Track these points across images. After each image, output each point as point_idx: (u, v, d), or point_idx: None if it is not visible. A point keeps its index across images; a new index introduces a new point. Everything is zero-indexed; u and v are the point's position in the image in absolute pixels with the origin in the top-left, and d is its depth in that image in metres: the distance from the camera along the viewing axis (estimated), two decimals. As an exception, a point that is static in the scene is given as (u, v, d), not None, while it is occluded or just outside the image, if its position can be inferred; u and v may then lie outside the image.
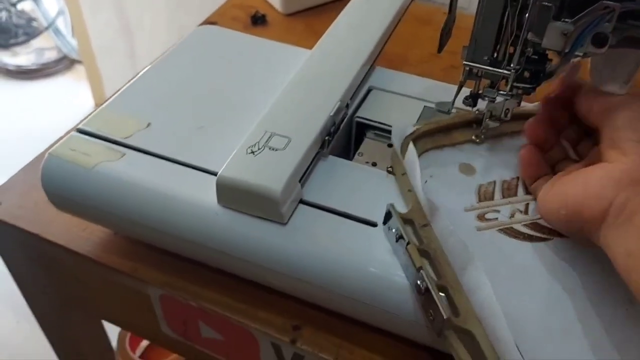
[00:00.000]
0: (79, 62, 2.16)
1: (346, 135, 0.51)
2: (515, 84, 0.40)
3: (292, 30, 0.80)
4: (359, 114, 0.51)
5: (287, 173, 0.40)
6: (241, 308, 0.45)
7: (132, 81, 0.53)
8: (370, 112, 0.51)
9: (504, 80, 0.41)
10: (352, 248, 0.39)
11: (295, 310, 0.45)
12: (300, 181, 0.42)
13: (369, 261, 0.39)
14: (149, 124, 0.48)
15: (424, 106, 0.51)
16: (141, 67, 0.57)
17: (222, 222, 0.41)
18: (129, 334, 0.88)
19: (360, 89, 0.52)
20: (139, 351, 0.90)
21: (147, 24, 1.58)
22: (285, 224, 0.41)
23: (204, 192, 0.42)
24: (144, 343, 0.91)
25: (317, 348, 0.43)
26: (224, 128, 0.47)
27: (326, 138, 0.45)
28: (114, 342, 0.87)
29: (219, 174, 0.41)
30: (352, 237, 0.40)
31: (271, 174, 0.40)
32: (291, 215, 0.41)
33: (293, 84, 0.48)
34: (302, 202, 0.42)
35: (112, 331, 0.89)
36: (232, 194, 0.41)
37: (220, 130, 0.47)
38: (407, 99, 0.52)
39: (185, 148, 0.46)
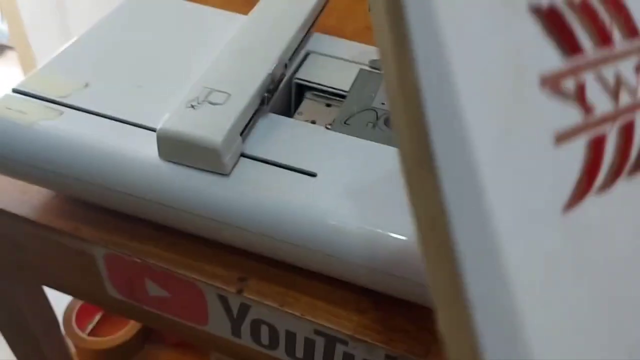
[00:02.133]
0: (10, 47, 2.08)
1: (286, 96, 0.53)
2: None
3: (230, 1, 0.81)
4: (298, 75, 0.52)
5: (227, 125, 0.41)
6: (186, 262, 0.46)
7: (68, 44, 0.53)
8: (308, 74, 0.53)
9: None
10: (293, 196, 0.41)
11: (240, 262, 0.46)
12: (241, 135, 0.43)
13: (309, 208, 0.41)
14: (86, 84, 0.48)
15: (360, 69, 0.53)
16: (78, 32, 0.57)
17: (164, 176, 0.42)
18: (75, 310, 0.87)
19: (298, 53, 0.54)
20: (89, 326, 0.89)
21: (82, 2, 1.54)
22: (228, 175, 0.42)
23: (145, 148, 0.43)
24: (94, 319, 0.91)
25: (262, 297, 0.45)
26: (163, 87, 0.48)
27: (265, 95, 0.46)
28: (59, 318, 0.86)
29: (159, 126, 0.41)
30: (292, 187, 0.42)
31: (212, 126, 0.41)
32: (233, 167, 0.42)
33: (231, 44, 0.49)
34: (243, 155, 0.43)
35: (60, 307, 0.88)
36: (173, 147, 0.41)
37: (159, 89, 0.48)
38: (343, 62, 0.54)
39: (125, 106, 0.46)
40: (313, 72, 0.53)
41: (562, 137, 0.18)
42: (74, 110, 0.46)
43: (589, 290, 0.18)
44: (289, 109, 0.54)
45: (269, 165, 0.43)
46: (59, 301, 0.79)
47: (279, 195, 0.41)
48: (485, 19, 0.17)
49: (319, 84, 0.51)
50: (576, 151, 0.18)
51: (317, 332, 0.44)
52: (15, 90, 0.47)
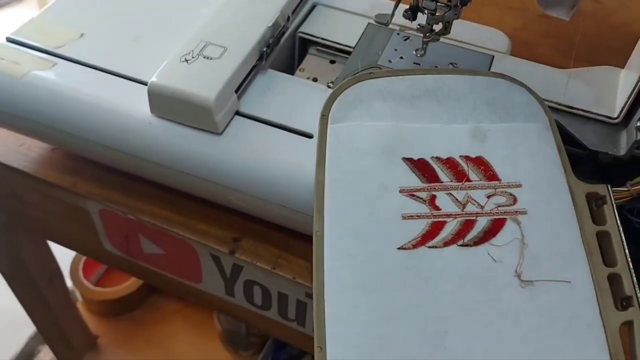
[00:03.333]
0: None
1: (289, 51, 0.51)
2: (451, -7, 0.40)
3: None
4: (302, 29, 0.50)
5: (221, 82, 0.40)
6: (180, 221, 0.46)
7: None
8: (313, 27, 0.50)
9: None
10: (287, 158, 0.40)
11: (234, 223, 0.46)
12: (236, 92, 0.42)
13: (304, 171, 0.39)
14: (82, 34, 0.46)
15: (368, 23, 0.50)
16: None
17: (155, 132, 0.41)
18: (82, 261, 0.88)
19: (304, 5, 0.51)
20: (94, 278, 0.91)
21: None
22: (220, 134, 0.40)
23: (138, 103, 0.41)
24: (100, 270, 0.92)
25: (255, 258, 0.44)
26: (161, 39, 0.46)
27: (264, 49, 0.44)
28: (67, 269, 0.87)
29: (150, 81, 0.40)
30: (287, 148, 0.40)
31: (204, 82, 0.39)
32: (227, 126, 0.41)
33: (232, -5, 0.47)
34: (238, 113, 0.42)
35: (67, 258, 0.89)
36: (164, 103, 0.40)
37: (156, 41, 0.46)
38: (351, 15, 0.51)
39: (120, 59, 0.45)
40: (318, 26, 0.50)
41: (408, 217, 0.33)
42: (68, 62, 0.44)
43: (403, 304, 0.31)
44: (292, 65, 0.52)
45: (264, 125, 0.41)
46: (66, 251, 0.80)
47: (273, 157, 0.40)
48: (370, 159, 0.34)
49: (323, 39, 0.49)
50: (418, 225, 0.33)
51: (309, 295, 0.43)
52: (9, 39, 0.46)
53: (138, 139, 0.41)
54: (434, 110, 0.37)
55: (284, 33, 0.47)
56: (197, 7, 0.49)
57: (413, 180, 0.34)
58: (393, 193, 0.33)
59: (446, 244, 0.32)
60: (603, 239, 0.34)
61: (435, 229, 0.33)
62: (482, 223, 0.33)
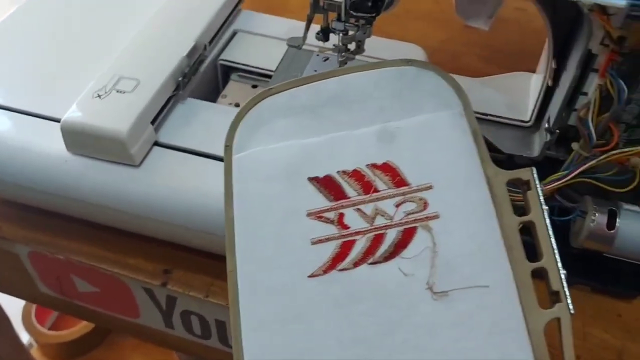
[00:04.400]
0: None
1: (213, 79, 0.51)
2: (355, 13, 0.40)
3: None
4: (222, 56, 0.50)
5: (134, 114, 0.40)
6: (109, 257, 0.45)
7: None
8: (234, 54, 0.51)
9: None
10: (208, 185, 0.40)
11: (164, 254, 0.45)
12: (153, 123, 0.42)
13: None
14: (-3, 78, 0.46)
15: (288, 46, 0.51)
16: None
17: (73, 170, 0.40)
18: (34, 307, 0.86)
19: (224, 32, 0.52)
20: (49, 322, 0.89)
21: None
22: (138, 165, 0.40)
23: (54, 141, 0.41)
24: (55, 313, 0.90)
25: (187, 288, 0.44)
26: (77, 76, 0.46)
27: (180, 79, 0.44)
28: (18, 317, 0.85)
29: (62, 119, 0.40)
30: (208, 175, 0.40)
31: (117, 116, 0.39)
32: (145, 157, 0.41)
33: (147, 26, 0.47)
34: (157, 144, 0.42)
35: (19, 304, 0.87)
36: (79, 139, 0.40)
37: (72, 78, 0.46)
38: (272, 40, 0.52)
39: (35, 99, 0.44)
40: (239, 52, 0.51)
41: (317, 242, 0.31)
42: (-19, 105, 0.44)
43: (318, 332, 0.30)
44: (216, 92, 0.52)
45: (184, 154, 0.41)
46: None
47: (193, 184, 0.40)
48: (276, 185, 0.33)
49: (244, 64, 0.50)
50: (327, 248, 0.31)
51: (244, 322, 0.43)
52: None
53: (56, 177, 0.41)
54: (339, 117, 0.35)
55: (202, 61, 0.47)
56: (112, 39, 0.49)
57: (320, 201, 0.33)
58: (300, 218, 0.32)
59: (356, 264, 0.31)
60: (528, 230, 0.31)
61: (344, 249, 0.31)
62: (391, 236, 0.31)
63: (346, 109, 0.35)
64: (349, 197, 0.33)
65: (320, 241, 0.32)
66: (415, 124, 0.34)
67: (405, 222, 0.32)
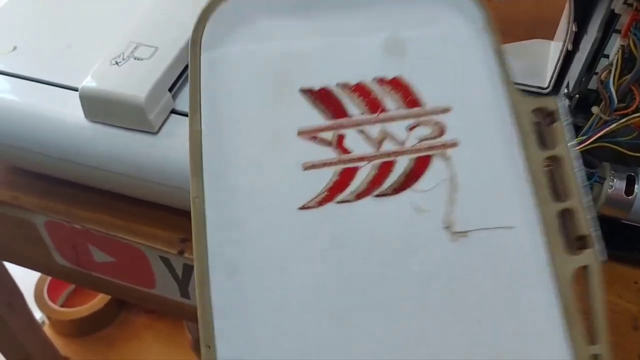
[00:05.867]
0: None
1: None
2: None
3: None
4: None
5: (152, 80, 0.39)
6: (125, 225, 0.45)
7: (-4, 7, 0.50)
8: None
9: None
10: (225, 152, 0.40)
11: (181, 223, 0.45)
12: (170, 91, 0.41)
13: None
14: (14, 47, 0.46)
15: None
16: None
17: (90, 137, 0.40)
18: (47, 283, 0.87)
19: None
20: (61, 299, 0.89)
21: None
22: (156, 133, 0.40)
23: (72, 109, 0.41)
24: (67, 290, 0.90)
25: (205, 257, 0.44)
26: (93, 46, 0.46)
27: (197, 47, 0.44)
28: (30, 294, 0.86)
29: (80, 86, 0.39)
30: (225, 142, 0.40)
31: (135, 82, 0.39)
32: (162, 125, 0.41)
33: (163, -5, 0.47)
34: (174, 112, 0.42)
35: (32, 279, 0.87)
36: (97, 106, 0.40)
37: (89, 48, 0.46)
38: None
39: (53, 68, 0.44)
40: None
41: (311, 167, 0.26)
42: (1, 76, 0.44)
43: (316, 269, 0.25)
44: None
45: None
46: (28, 274, 0.79)
47: (210, 151, 0.40)
48: (259, 95, 0.27)
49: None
50: (323, 176, 0.26)
51: (261, 289, 0.43)
52: (-62, 56, 0.45)
53: (74, 144, 0.41)
54: (339, 21, 0.29)
55: (217, 30, 0.47)
56: (128, 9, 0.49)
57: (315, 118, 0.27)
58: (290, 137, 0.26)
59: (359, 196, 0.26)
60: (553, 166, 0.28)
61: (344, 178, 0.26)
62: (402, 164, 0.26)
63: (348, 12, 0.29)
64: (350, 116, 0.27)
65: (314, 166, 0.26)
66: (430, 35, 0.29)
67: (419, 149, 0.27)
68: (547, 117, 0.28)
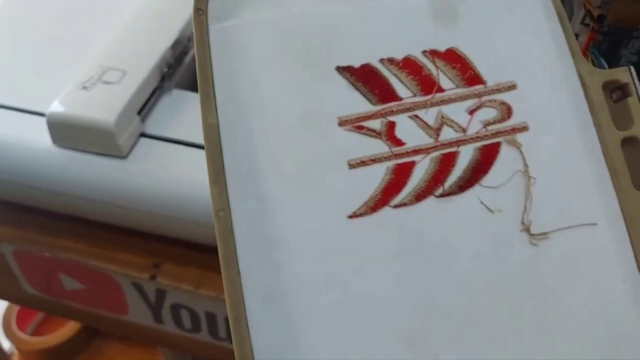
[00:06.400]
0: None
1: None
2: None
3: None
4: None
5: (120, 105, 0.39)
6: (97, 252, 0.44)
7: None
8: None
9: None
10: (196, 174, 0.39)
11: (154, 247, 0.45)
12: (139, 114, 0.41)
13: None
14: (-21, 73, 0.45)
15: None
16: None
17: (58, 162, 0.40)
18: (15, 312, 0.84)
19: (208, 25, 0.52)
20: (31, 328, 0.87)
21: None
22: (125, 157, 0.40)
23: (39, 135, 0.41)
24: (37, 318, 0.88)
25: (177, 281, 0.43)
26: (62, 71, 0.45)
27: (165, 70, 0.44)
28: (-1, 323, 0.83)
29: (48, 111, 0.39)
30: (196, 164, 0.40)
31: (104, 107, 0.39)
32: (132, 149, 0.40)
33: (132, 18, 0.47)
34: (143, 135, 0.42)
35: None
36: (65, 131, 0.39)
37: (57, 73, 0.45)
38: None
39: (20, 94, 0.44)
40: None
41: (358, 164, 0.22)
42: (-36, 102, 0.43)
43: (364, 285, 0.21)
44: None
45: (171, 144, 0.41)
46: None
47: (181, 174, 0.40)
48: (285, 74, 0.22)
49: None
50: (374, 174, 0.22)
51: (236, 312, 0.43)
52: None
53: (42, 170, 0.40)
54: None
55: (186, 53, 0.47)
56: (97, 32, 0.48)
57: (358, 102, 0.22)
58: (329, 127, 0.22)
59: (419, 197, 0.22)
60: (629, 149, 0.23)
61: (399, 176, 0.22)
62: (466, 155, 0.22)
63: None
64: (400, 98, 0.23)
65: (362, 163, 0.22)
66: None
67: (485, 135, 0.23)
68: (615, 92, 0.24)
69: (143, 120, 0.42)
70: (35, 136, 0.41)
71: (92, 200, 0.40)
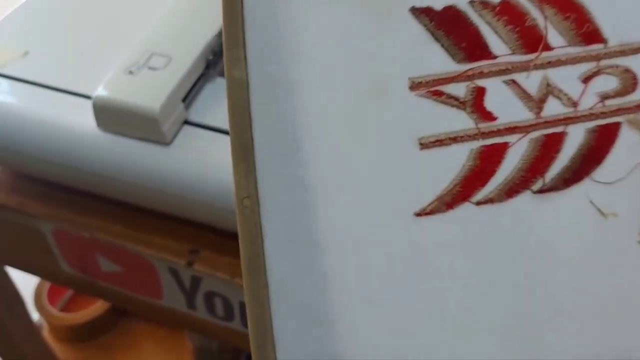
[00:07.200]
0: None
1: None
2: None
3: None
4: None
5: (166, 91, 0.39)
6: (135, 235, 0.45)
7: (9, 11, 0.50)
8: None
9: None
10: (238, 164, 0.39)
11: (191, 235, 0.45)
12: (184, 102, 0.41)
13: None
14: (26, 52, 0.46)
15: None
16: None
17: (102, 146, 0.40)
18: (46, 288, 0.86)
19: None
20: (60, 304, 0.88)
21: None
22: (169, 144, 0.40)
23: (84, 117, 0.41)
24: (66, 295, 0.89)
25: (213, 269, 0.43)
26: (107, 53, 0.46)
27: (211, 58, 0.44)
28: (31, 296, 0.85)
29: (94, 95, 0.39)
30: (238, 155, 0.40)
31: (149, 93, 0.39)
32: (175, 136, 0.40)
33: (177, 4, 0.47)
34: (187, 122, 0.41)
35: (30, 284, 0.87)
36: (109, 116, 0.39)
37: (102, 55, 0.45)
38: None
39: (65, 75, 0.44)
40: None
41: (432, 143, 0.16)
42: (11, 80, 0.43)
43: (421, 295, 0.16)
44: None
45: (214, 133, 0.41)
46: (29, 278, 0.78)
47: (223, 163, 0.39)
48: (342, 22, 0.16)
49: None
50: (452, 158, 0.16)
51: (270, 303, 0.43)
52: (-52, 61, 0.44)
53: (86, 153, 0.41)
54: None
55: (231, 41, 0.47)
56: (143, 16, 0.48)
57: (436, 58, 0.17)
58: (397, 91, 0.17)
59: (510, 192, 0.17)
60: None
61: (487, 162, 0.17)
62: (576, 137, 0.17)
63: None
64: (494, 56, 0.17)
65: (438, 143, 0.17)
66: None
67: (601, 112, 0.17)
68: None
69: (187, 107, 0.42)
70: (79, 118, 0.41)
71: (134, 184, 0.40)
